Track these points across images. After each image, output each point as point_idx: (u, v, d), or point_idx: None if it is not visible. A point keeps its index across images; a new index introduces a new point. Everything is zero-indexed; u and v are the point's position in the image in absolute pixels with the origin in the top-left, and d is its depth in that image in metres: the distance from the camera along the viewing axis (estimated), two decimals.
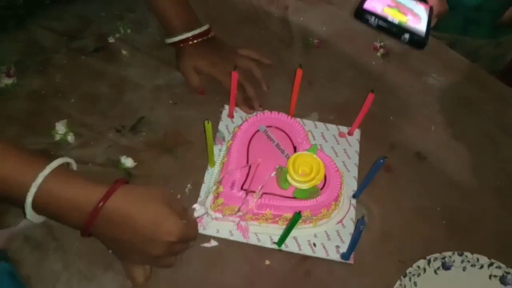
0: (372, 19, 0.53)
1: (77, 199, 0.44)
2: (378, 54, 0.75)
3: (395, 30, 0.53)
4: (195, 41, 0.66)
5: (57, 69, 0.68)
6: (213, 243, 0.54)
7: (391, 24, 0.53)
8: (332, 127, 0.65)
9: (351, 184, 0.59)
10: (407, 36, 0.53)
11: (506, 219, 0.58)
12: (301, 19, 0.80)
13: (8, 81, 0.65)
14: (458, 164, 0.63)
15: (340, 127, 0.65)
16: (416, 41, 0.53)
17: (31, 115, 0.62)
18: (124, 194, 0.45)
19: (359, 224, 0.45)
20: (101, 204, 0.43)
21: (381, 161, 0.50)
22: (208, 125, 0.51)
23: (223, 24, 0.75)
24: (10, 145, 0.44)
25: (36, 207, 0.43)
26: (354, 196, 0.58)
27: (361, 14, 0.53)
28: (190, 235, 0.49)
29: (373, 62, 0.74)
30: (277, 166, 0.55)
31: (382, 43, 0.76)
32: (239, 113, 0.65)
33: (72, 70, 0.68)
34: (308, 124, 0.65)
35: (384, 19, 0.53)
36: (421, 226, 0.57)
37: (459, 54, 0.78)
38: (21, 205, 0.43)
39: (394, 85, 0.72)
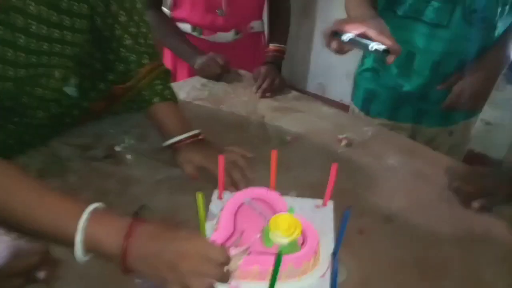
0: (345, 37, 0.74)
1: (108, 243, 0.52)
2: (342, 144, 0.89)
3: (364, 42, 0.72)
4: (188, 141, 0.81)
5: (72, 173, 0.80)
6: None
7: (359, 39, 0.73)
8: (308, 200, 0.75)
9: (329, 246, 0.67)
10: (374, 45, 0.70)
11: (469, 265, 0.65)
12: (276, 123, 0.96)
13: None
14: (421, 221, 0.72)
15: (315, 200, 0.75)
16: (382, 50, 0.70)
17: None
18: (143, 233, 0.53)
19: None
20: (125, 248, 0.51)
21: (347, 211, 0.59)
22: (200, 196, 0.62)
23: (212, 130, 0.90)
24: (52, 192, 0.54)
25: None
26: (333, 254, 0.66)
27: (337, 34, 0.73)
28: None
29: (339, 151, 0.88)
30: (262, 228, 0.64)
31: (345, 135, 0.91)
32: (227, 196, 0.76)
33: (85, 173, 0.80)
34: (287, 199, 0.75)
35: (353, 37, 0.73)
36: (396, 275, 0.63)
37: (420, 143, 0.93)
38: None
39: (359, 166, 0.84)
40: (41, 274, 0.59)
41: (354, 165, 0.85)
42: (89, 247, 0.53)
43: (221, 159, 0.70)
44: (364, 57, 1.15)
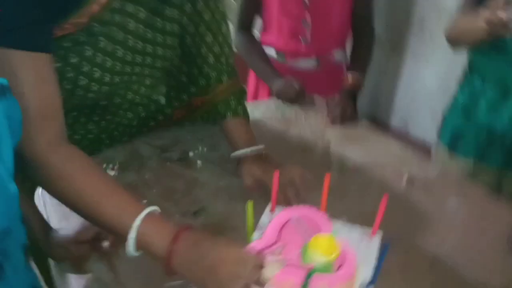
0: None
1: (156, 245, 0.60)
2: (404, 179, 0.89)
3: None
4: (251, 156, 0.87)
5: (148, 169, 0.91)
6: None
7: None
8: (356, 227, 0.77)
9: (368, 276, 0.68)
10: None
11: None
12: (340, 150, 0.99)
13: (111, 172, 0.88)
14: (470, 269, 0.70)
15: (364, 228, 0.76)
16: None
17: None
18: (190, 239, 0.60)
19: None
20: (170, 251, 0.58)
21: (387, 243, 0.61)
22: (249, 204, 0.67)
23: (277, 149, 0.96)
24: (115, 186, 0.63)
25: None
26: (369, 283, 0.67)
27: None
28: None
29: (398, 186, 0.88)
30: (303, 244, 0.67)
31: (408, 171, 0.91)
32: (279, 211, 0.80)
33: (159, 171, 0.90)
34: (336, 222, 0.77)
35: None
36: None
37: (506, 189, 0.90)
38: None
39: (416, 203, 0.84)
40: (105, 244, 0.69)
41: (411, 201, 0.85)
42: (139, 245, 0.60)
43: (276, 175, 0.75)
44: (457, 93, 1.14)
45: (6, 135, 0.49)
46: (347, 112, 1.11)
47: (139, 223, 0.60)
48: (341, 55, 1.37)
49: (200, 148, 0.97)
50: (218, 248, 0.60)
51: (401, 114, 2.18)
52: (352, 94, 1.19)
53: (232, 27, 1.00)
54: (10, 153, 0.50)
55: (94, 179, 0.64)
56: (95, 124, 0.92)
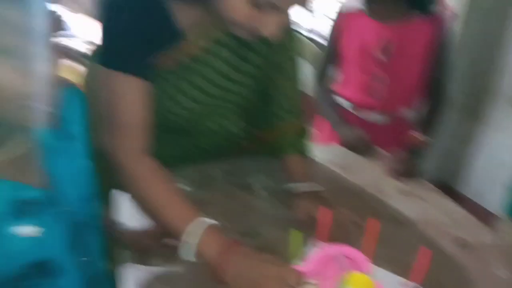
0: None
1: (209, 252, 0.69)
2: (455, 241, 0.91)
3: None
4: (306, 192, 0.94)
5: (214, 190, 1.01)
6: None
7: None
8: (395, 276, 0.80)
9: None
10: None
11: None
12: (395, 203, 1.02)
13: (184, 187, 1.00)
14: None
15: (402, 279, 0.79)
16: None
17: None
18: (241, 253, 0.68)
19: None
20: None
21: None
22: (295, 234, 0.75)
23: (332, 191, 1.01)
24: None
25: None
26: None
27: None
28: None
29: (447, 246, 0.90)
30: (340, 277, 0.72)
31: (460, 234, 0.92)
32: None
33: (224, 193, 1.00)
34: (376, 268, 0.81)
35: None
36: None
37: None
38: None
39: (462, 266, 0.85)
40: (169, 241, 0.79)
41: (459, 263, 0.86)
42: (194, 251, 0.70)
43: (324, 212, 0.81)
44: None
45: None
46: (408, 168, 1.14)
47: (200, 232, 0.70)
48: (410, 113, 1.41)
49: (261, 178, 1.06)
50: (264, 265, 0.67)
51: (470, 182, 2.12)
52: (416, 152, 1.22)
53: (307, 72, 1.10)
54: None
55: (167, 188, 0.77)
56: (179, 145, 1.05)
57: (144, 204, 0.78)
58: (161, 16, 0.80)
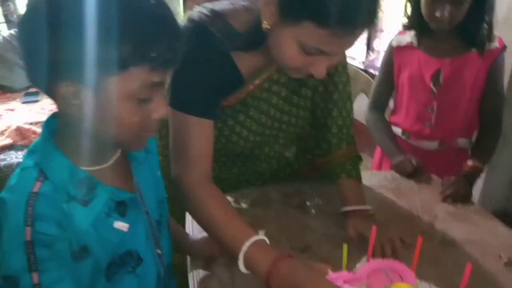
0: None
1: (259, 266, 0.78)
2: (502, 262, 0.93)
3: None
4: (358, 213, 1.01)
5: (272, 209, 1.11)
6: None
7: None
8: None
9: None
10: None
11: None
12: (445, 226, 1.06)
13: (243, 205, 1.11)
14: None
15: None
16: None
17: None
18: (288, 265, 0.77)
19: None
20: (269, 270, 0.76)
21: None
22: (345, 246, 0.82)
23: (384, 214, 1.08)
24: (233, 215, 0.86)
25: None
26: None
27: None
28: None
29: (495, 267, 0.92)
30: (385, 286, 0.78)
31: (508, 256, 0.94)
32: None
33: (280, 212, 1.10)
34: (423, 283, 0.86)
35: None
36: None
37: None
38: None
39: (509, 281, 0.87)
40: None
41: (504, 281, 0.88)
42: (247, 265, 0.80)
43: (373, 229, 0.88)
44: None
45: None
46: (461, 193, 1.17)
47: (247, 248, 0.79)
48: (465, 142, 1.44)
49: (316, 200, 1.15)
50: (310, 278, 0.74)
51: None
52: (469, 179, 1.24)
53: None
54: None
55: (223, 211, 0.88)
56: (238, 169, 1.17)
57: (205, 225, 0.90)
58: (227, 67, 0.93)
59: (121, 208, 0.71)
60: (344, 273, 0.79)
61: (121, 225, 0.70)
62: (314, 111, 1.10)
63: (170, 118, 0.92)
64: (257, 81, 1.00)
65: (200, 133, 0.92)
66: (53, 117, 0.69)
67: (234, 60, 0.94)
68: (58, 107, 0.65)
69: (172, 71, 0.66)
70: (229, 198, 1.11)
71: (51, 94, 0.63)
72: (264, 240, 0.82)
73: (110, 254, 0.70)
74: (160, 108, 0.66)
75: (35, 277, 0.61)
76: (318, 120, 1.11)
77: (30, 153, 0.67)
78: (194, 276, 0.92)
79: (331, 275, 0.76)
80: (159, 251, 0.81)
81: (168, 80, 0.67)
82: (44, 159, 0.65)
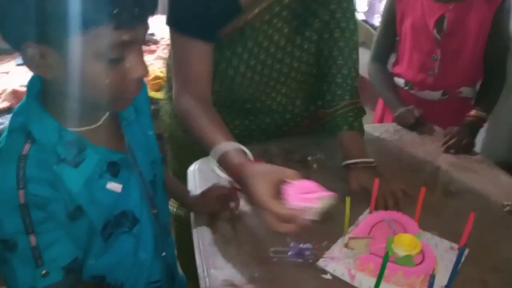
0: None
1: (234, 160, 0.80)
2: (505, 209, 0.93)
3: None
4: (361, 166, 1.00)
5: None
6: (328, 276, 0.78)
7: None
8: (445, 241, 0.85)
9: (444, 280, 0.76)
10: None
11: None
12: (447, 176, 1.06)
13: None
14: None
15: (452, 243, 0.84)
16: None
17: None
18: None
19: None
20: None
21: (464, 248, 0.69)
22: (348, 200, 0.82)
23: (387, 166, 1.06)
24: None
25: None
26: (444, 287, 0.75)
27: None
28: None
29: (498, 214, 0.93)
30: (388, 237, 0.79)
31: (509, 203, 0.94)
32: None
33: None
34: (426, 234, 0.86)
35: None
36: None
37: None
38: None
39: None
40: (231, 204, 0.90)
41: (507, 228, 0.89)
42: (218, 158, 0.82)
43: (376, 181, 0.87)
44: None
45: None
46: (463, 144, 1.16)
47: (227, 147, 0.81)
48: (468, 92, 1.41)
49: (317, 155, 1.14)
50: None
51: None
52: (472, 128, 1.23)
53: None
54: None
55: (212, 120, 0.91)
56: (241, 121, 1.16)
57: (195, 133, 0.92)
58: None
59: (113, 169, 0.70)
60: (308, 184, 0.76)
61: (114, 186, 0.69)
62: (318, 57, 1.06)
63: (170, 40, 0.97)
64: (256, 10, 0.97)
65: (197, 54, 0.94)
66: (37, 77, 0.66)
67: None
68: (28, 68, 0.61)
69: (144, 26, 0.62)
70: None
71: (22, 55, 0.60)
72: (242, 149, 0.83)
73: (105, 215, 0.70)
74: (136, 68, 0.62)
75: (33, 239, 0.61)
76: (322, 68, 1.07)
77: (16, 115, 0.65)
78: (198, 232, 0.92)
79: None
80: (154, 211, 0.80)
81: (143, 36, 0.63)
82: (31, 121, 0.64)
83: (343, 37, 1.04)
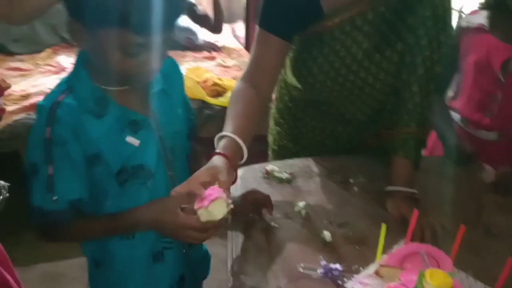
0: None
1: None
2: None
3: None
4: (403, 194, 1.00)
5: (312, 182, 1.12)
6: None
7: None
8: (479, 284, 0.82)
9: None
10: None
11: None
12: (491, 217, 1.02)
13: (285, 174, 1.13)
14: None
15: (487, 287, 0.82)
16: None
17: None
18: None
19: None
20: None
21: None
22: (384, 226, 0.82)
23: (431, 199, 1.05)
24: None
25: None
26: None
27: None
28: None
29: None
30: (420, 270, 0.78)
31: None
32: None
33: (320, 186, 1.11)
34: (460, 273, 0.84)
35: None
36: None
37: None
38: None
39: None
40: (265, 211, 0.93)
41: None
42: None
43: (415, 213, 0.87)
44: None
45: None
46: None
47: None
48: None
49: (360, 178, 1.14)
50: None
51: None
52: None
53: None
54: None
55: (240, 110, 0.99)
56: (316, 123, 1.22)
57: (227, 112, 0.99)
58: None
59: (133, 127, 0.84)
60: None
61: (132, 140, 0.84)
62: (394, 78, 1.06)
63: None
64: (336, 19, 1.01)
65: (270, 49, 1.03)
66: None
67: None
68: (72, 38, 0.81)
69: (156, 34, 0.75)
70: (273, 167, 1.14)
71: None
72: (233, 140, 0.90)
73: (121, 161, 0.83)
74: (141, 65, 0.78)
75: (50, 169, 0.78)
76: (396, 90, 1.07)
77: (67, 75, 0.85)
78: (233, 237, 0.95)
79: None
80: (170, 173, 0.90)
81: (160, 40, 0.78)
82: (74, 78, 0.83)
83: (423, 65, 1.02)
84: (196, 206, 0.78)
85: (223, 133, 0.92)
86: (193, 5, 3.08)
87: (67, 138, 0.78)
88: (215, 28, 2.93)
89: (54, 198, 0.79)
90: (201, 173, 0.81)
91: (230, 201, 0.78)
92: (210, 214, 0.77)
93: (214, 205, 0.76)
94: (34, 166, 0.80)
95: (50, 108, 0.78)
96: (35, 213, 0.81)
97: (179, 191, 0.80)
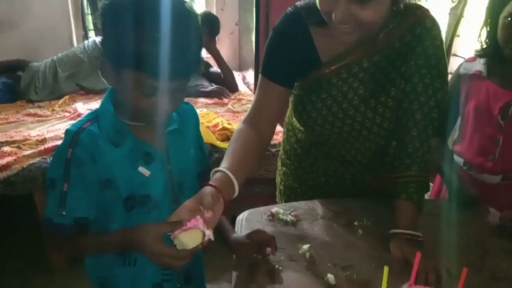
0: None
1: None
2: None
3: None
4: (407, 236, 1.01)
5: (317, 224, 1.14)
6: None
7: None
8: None
9: None
10: None
11: None
12: (496, 260, 1.02)
13: (289, 217, 1.14)
14: None
15: None
16: None
17: None
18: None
19: None
20: None
21: None
22: (386, 269, 0.83)
23: (435, 242, 1.05)
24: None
25: None
26: None
27: None
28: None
29: None
30: None
31: None
32: None
33: (325, 228, 1.12)
34: None
35: None
36: None
37: None
38: None
39: None
40: (268, 250, 0.95)
41: None
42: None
43: (418, 255, 0.87)
44: None
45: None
46: None
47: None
48: None
49: (364, 220, 1.15)
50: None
51: None
52: None
53: None
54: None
55: (237, 149, 1.05)
56: (320, 163, 1.26)
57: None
58: (303, 42, 1.09)
59: (146, 159, 0.95)
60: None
61: (144, 170, 0.93)
62: (393, 124, 1.11)
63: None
64: (333, 67, 1.08)
65: (271, 95, 1.12)
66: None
67: (314, 40, 1.08)
68: (102, 76, 0.91)
69: (175, 80, 0.85)
70: (278, 209, 1.16)
71: None
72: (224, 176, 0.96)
73: (131, 189, 0.93)
74: (155, 105, 0.87)
75: (66, 186, 0.88)
76: (396, 134, 1.12)
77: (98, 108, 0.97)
78: (238, 277, 0.96)
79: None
80: (175, 206, 0.91)
81: (177, 86, 0.88)
82: (101, 110, 0.94)
83: (420, 111, 1.07)
84: (172, 235, 0.82)
85: (218, 168, 0.97)
86: (208, 65, 3.25)
87: (85, 160, 0.88)
88: (230, 88, 3.15)
89: (63, 213, 0.88)
90: (189, 202, 0.87)
91: (208, 232, 0.84)
92: (182, 243, 0.82)
93: (185, 235, 0.82)
94: (53, 181, 0.89)
95: (75, 132, 0.89)
96: (46, 223, 0.90)
97: (170, 219, 0.85)
